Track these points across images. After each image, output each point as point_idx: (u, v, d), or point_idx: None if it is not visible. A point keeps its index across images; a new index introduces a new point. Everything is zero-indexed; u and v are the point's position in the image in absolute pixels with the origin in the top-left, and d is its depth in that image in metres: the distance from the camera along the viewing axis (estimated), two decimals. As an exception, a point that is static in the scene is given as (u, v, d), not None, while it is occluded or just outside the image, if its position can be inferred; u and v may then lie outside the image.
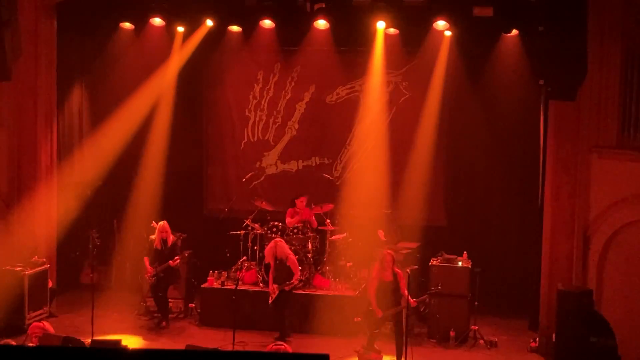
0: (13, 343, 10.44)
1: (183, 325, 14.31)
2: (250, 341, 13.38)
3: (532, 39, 13.36)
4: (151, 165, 16.43)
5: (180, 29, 15.43)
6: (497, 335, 13.88)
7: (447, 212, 15.88)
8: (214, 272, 14.62)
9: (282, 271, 13.45)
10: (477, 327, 13.69)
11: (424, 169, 15.86)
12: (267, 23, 14.95)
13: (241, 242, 14.90)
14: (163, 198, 16.13)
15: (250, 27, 15.28)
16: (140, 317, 14.56)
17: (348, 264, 14.65)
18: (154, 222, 14.54)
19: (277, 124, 16.48)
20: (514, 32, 14.18)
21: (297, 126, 16.45)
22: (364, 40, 15.18)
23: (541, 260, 13.45)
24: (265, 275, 14.00)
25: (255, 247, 14.78)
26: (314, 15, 14.45)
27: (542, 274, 13.41)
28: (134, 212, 16.20)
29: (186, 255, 14.62)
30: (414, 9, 14.01)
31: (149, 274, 14.09)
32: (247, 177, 15.51)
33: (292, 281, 13.45)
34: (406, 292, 12.26)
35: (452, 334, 13.57)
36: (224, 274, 14.60)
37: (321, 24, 14.68)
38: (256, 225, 14.80)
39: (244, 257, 14.62)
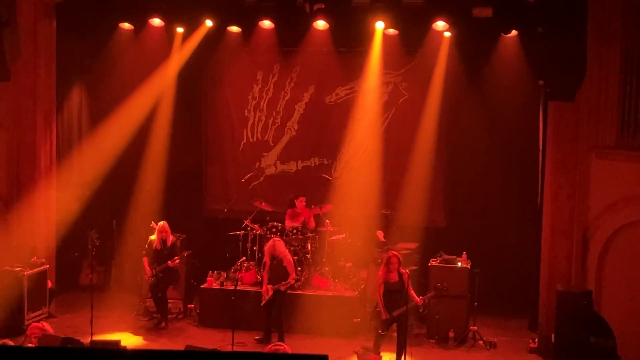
0: (11, 343, 10.42)
1: (182, 326, 14.31)
2: (249, 342, 13.39)
3: (532, 40, 13.38)
4: (150, 165, 16.44)
5: (180, 30, 15.45)
6: (497, 335, 13.88)
7: (447, 213, 15.89)
8: (213, 272, 14.63)
9: (278, 271, 13.41)
10: (476, 328, 13.69)
11: (423, 169, 15.88)
12: (267, 23, 14.95)
13: (240, 243, 14.91)
14: (162, 199, 16.15)
15: (250, 27, 15.28)
16: (139, 318, 14.56)
17: (347, 265, 14.66)
18: (153, 222, 14.54)
19: (277, 124, 16.48)
20: (514, 32, 14.19)
21: (296, 127, 16.46)
22: (364, 41, 15.19)
23: (540, 260, 13.46)
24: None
25: (255, 248, 14.78)
26: (314, 16, 14.45)
27: (542, 274, 13.41)
28: (134, 213, 16.21)
29: (185, 255, 14.62)
30: (413, 9, 14.00)
31: (148, 275, 14.09)
32: (246, 177, 15.51)
33: (288, 281, 13.41)
34: (412, 292, 12.26)
35: (451, 334, 13.57)
36: (223, 274, 14.60)
37: (320, 24, 14.68)
38: (255, 225, 14.80)
39: (243, 258, 14.63)
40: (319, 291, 14.26)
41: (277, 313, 13.51)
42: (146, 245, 14.38)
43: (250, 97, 16.51)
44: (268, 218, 15.01)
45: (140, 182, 16.45)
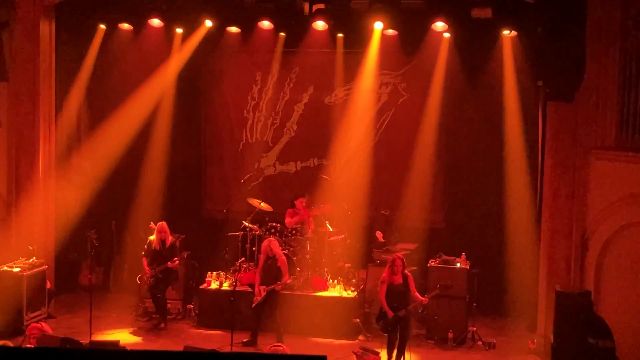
0: (10, 344, 10.42)
1: (181, 326, 14.30)
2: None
3: (531, 41, 13.38)
4: (150, 166, 16.44)
5: (179, 30, 15.45)
6: (496, 336, 13.88)
7: (446, 214, 15.89)
8: (212, 273, 14.62)
9: (272, 272, 13.37)
10: (475, 329, 13.70)
11: (422, 170, 15.89)
12: (266, 24, 14.95)
13: (239, 243, 14.90)
14: (162, 199, 16.15)
15: (249, 28, 15.29)
16: (138, 318, 14.56)
17: (346, 265, 14.65)
18: (152, 223, 14.53)
19: (276, 125, 16.48)
20: (513, 33, 14.19)
21: (295, 127, 16.46)
22: (363, 42, 15.20)
23: (539, 261, 13.45)
24: None
25: (254, 248, 14.77)
26: (313, 17, 14.45)
27: (541, 275, 13.41)
28: (133, 214, 16.21)
29: (184, 256, 14.62)
30: (412, 10, 14.01)
31: (147, 275, 14.08)
32: (245, 178, 15.52)
33: (283, 280, 13.37)
34: (416, 293, 12.27)
35: (450, 335, 13.57)
36: (223, 275, 14.59)
37: (320, 25, 14.69)
38: (254, 226, 14.79)
39: (242, 258, 14.62)
40: (318, 292, 14.25)
41: (272, 314, 13.40)
42: (145, 246, 14.38)
43: (249, 97, 16.51)
44: (267, 219, 15.00)
45: (140, 183, 16.45)
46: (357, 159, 16.20)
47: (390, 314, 12.10)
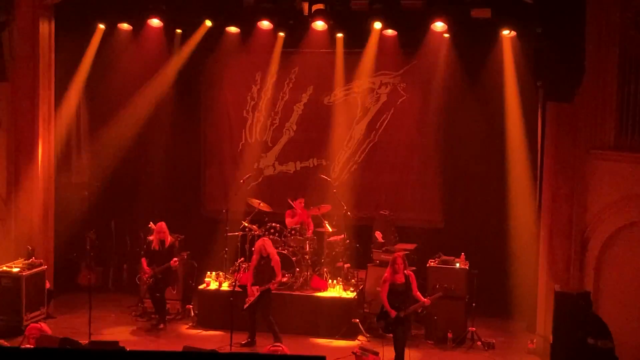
0: (6, 344, 10.42)
1: (180, 327, 14.29)
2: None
3: (530, 41, 13.38)
4: (149, 166, 16.45)
5: (178, 31, 15.44)
6: (495, 336, 13.87)
7: (445, 214, 15.89)
8: (211, 273, 14.61)
9: (266, 272, 13.35)
10: (474, 329, 13.69)
11: (421, 170, 15.92)
12: (265, 24, 14.95)
13: (239, 244, 14.90)
14: (161, 199, 16.16)
15: (249, 28, 15.28)
16: (137, 319, 14.55)
17: (346, 266, 14.65)
18: (151, 223, 14.52)
19: (275, 125, 16.48)
20: (512, 33, 14.20)
21: (294, 127, 16.46)
22: (362, 42, 15.21)
23: (539, 261, 13.45)
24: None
25: (253, 249, 14.75)
26: (312, 17, 14.45)
27: (540, 275, 13.41)
28: (132, 214, 16.22)
29: (184, 256, 14.60)
30: (412, 10, 14.01)
31: (146, 275, 14.08)
32: (244, 178, 15.51)
33: (277, 280, 13.33)
34: (418, 293, 12.24)
35: (449, 335, 13.57)
36: (222, 275, 14.59)
37: (319, 25, 14.68)
38: (254, 226, 14.79)
39: (242, 259, 14.61)
40: (318, 292, 14.25)
41: (265, 314, 13.33)
42: (145, 246, 14.38)
43: (248, 97, 16.52)
44: (266, 219, 15.00)
45: (139, 183, 16.47)
46: (357, 159, 16.20)
47: (392, 314, 12.03)
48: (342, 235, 14.75)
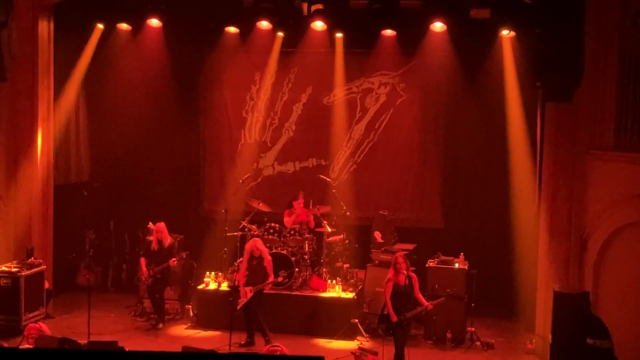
0: (4, 344, 10.43)
1: (179, 327, 14.28)
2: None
3: (529, 41, 13.37)
4: (148, 166, 16.45)
5: (178, 30, 15.43)
6: (494, 336, 13.89)
7: (444, 214, 15.90)
8: (210, 273, 14.61)
9: (258, 272, 13.31)
10: (473, 329, 13.70)
11: (420, 170, 15.93)
12: (265, 24, 14.95)
13: (238, 244, 14.89)
14: (160, 199, 16.16)
15: (248, 28, 15.28)
16: (136, 319, 14.56)
17: (345, 266, 14.65)
18: (150, 223, 14.52)
19: (274, 125, 16.49)
20: (512, 33, 14.20)
21: (294, 127, 16.46)
22: (362, 42, 15.21)
23: (538, 262, 13.45)
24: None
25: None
26: (311, 17, 14.45)
27: (539, 275, 13.41)
28: (131, 214, 16.22)
29: (183, 256, 14.61)
30: (411, 10, 14.00)
31: (145, 275, 14.07)
32: (244, 178, 15.51)
33: (270, 280, 13.29)
34: (420, 295, 12.20)
35: (448, 335, 13.58)
36: (221, 275, 14.59)
37: (318, 25, 14.68)
38: (253, 226, 14.79)
39: (241, 259, 14.60)
40: (317, 292, 14.25)
41: (255, 313, 13.28)
42: (144, 246, 14.39)
43: (248, 97, 16.52)
44: (266, 219, 15.00)
45: (138, 183, 16.47)
46: (356, 159, 16.21)
47: (394, 318, 11.96)
48: (342, 236, 14.75)
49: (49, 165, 14.78)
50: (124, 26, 15.38)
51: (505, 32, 14.27)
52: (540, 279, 13.38)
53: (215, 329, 13.90)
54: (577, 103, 12.63)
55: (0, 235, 14.27)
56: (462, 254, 14.08)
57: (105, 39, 15.52)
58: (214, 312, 14.09)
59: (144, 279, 14.13)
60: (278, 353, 10.34)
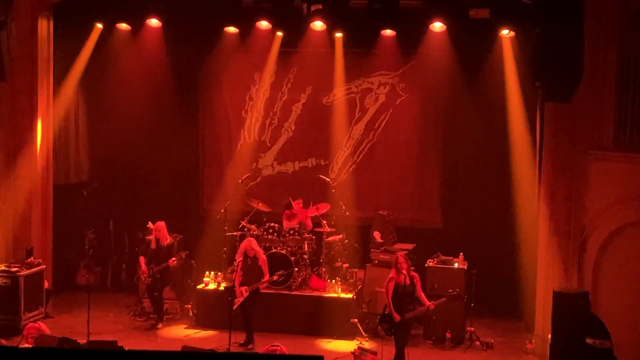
0: (4, 342, 10.42)
1: (179, 327, 14.28)
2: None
3: (529, 41, 13.38)
4: (147, 165, 16.44)
5: (177, 30, 15.44)
6: (493, 336, 13.89)
7: (444, 214, 15.90)
8: (210, 273, 14.60)
9: (254, 272, 13.31)
10: (473, 329, 13.70)
11: (420, 170, 15.93)
12: (264, 24, 14.95)
13: (237, 243, 14.88)
14: (160, 199, 16.15)
15: (247, 28, 15.28)
16: (136, 318, 14.55)
17: (344, 265, 14.65)
18: (150, 222, 14.52)
19: (274, 125, 16.48)
20: (511, 33, 14.21)
21: (293, 127, 16.46)
22: (361, 42, 15.21)
23: (537, 261, 13.46)
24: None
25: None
26: (311, 17, 14.45)
27: (539, 275, 13.41)
28: (130, 213, 16.21)
29: (182, 256, 14.60)
30: (411, 10, 14.01)
31: (144, 274, 14.07)
32: (243, 178, 15.52)
33: (265, 279, 13.27)
34: (422, 294, 12.19)
35: (448, 335, 13.58)
36: (220, 275, 14.58)
37: (318, 25, 14.69)
38: (252, 226, 14.79)
39: (240, 258, 14.59)
40: (316, 292, 14.25)
41: (248, 312, 13.25)
42: (143, 245, 14.39)
43: (247, 97, 16.51)
44: (265, 219, 15.00)
45: (137, 183, 16.46)
46: (355, 159, 16.20)
47: (396, 317, 11.96)
48: (341, 235, 14.76)
49: (49, 165, 14.78)
50: (123, 26, 15.38)
51: (504, 32, 14.28)
52: (539, 278, 13.38)
53: (215, 328, 13.90)
54: (576, 103, 12.63)
55: (0, 234, 14.26)
56: (461, 253, 14.09)
57: (104, 38, 15.52)
58: (213, 311, 14.07)
59: (144, 278, 14.13)
60: (277, 352, 10.33)
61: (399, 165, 16.03)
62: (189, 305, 14.71)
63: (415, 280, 12.08)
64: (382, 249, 14.39)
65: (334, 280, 14.34)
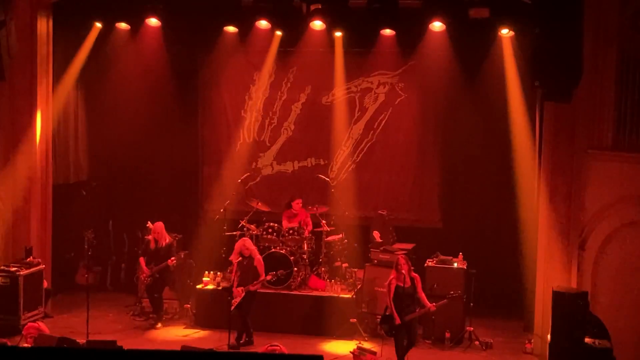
0: (7, 341, 10.42)
1: (178, 326, 14.28)
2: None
3: (528, 41, 13.38)
4: (147, 165, 16.44)
5: (177, 30, 15.44)
6: (493, 336, 13.89)
7: (443, 213, 15.90)
8: (209, 273, 14.60)
9: (250, 272, 13.30)
10: (472, 329, 13.70)
11: (419, 170, 15.93)
12: (263, 24, 14.95)
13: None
14: (159, 199, 16.15)
15: (247, 27, 15.28)
16: (135, 318, 14.56)
17: (344, 265, 14.65)
18: (149, 222, 14.52)
19: (273, 124, 16.48)
20: (511, 33, 14.21)
21: (292, 127, 16.45)
22: (361, 42, 15.21)
23: (537, 261, 13.46)
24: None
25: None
26: (310, 16, 14.45)
27: (538, 275, 13.42)
28: (130, 213, 16.20)
29: (182, 256, 14.60)
30: (410, 10, 14.01)
31: (144, 275, 14.07)
32: (242, 177, 15.50)
33: (260, 280, 13.25)
34: (423, 295, 12.18)
35: (447, 335, 13.58)
36: (220, 274, 14.58)
37: (317, 25, 14.69)
38: (252, 226, 14.79)
39: (240, 258, 14.58)
40: (316, 292, 14.25)
41: (243, 313, 13.25)
42: (143, 245, 14.39)
43: (246, 97, 16.50)
44: (264, 218, 15.00)
45: (137, 182, 16.45)
46: (355, 159, 16.20)
47: (398, 321, 11.95)
48: (340, 235, 14.76)
49: (48, 164, 14.77)
50: (122, 25, 15.39)
51: (504, 32, 14.28)
52: (539, 278, 13.38)
53: (214, 328, 13.88)
54: (576, 103, 12.63)
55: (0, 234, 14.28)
56: (460, 253, 14.09)
57: (104, 38, 15.52)
58: (212, 311, 14.07)
59: (144, 278, 14.13)
60: (276, 352, 10.32)
61: (398, 164, 16.03)
62: (188, 305, 14.71)
63: (416, 282, 12.08)
64: (382, 248, 14.39)
65: (333, 280, 14.35)
